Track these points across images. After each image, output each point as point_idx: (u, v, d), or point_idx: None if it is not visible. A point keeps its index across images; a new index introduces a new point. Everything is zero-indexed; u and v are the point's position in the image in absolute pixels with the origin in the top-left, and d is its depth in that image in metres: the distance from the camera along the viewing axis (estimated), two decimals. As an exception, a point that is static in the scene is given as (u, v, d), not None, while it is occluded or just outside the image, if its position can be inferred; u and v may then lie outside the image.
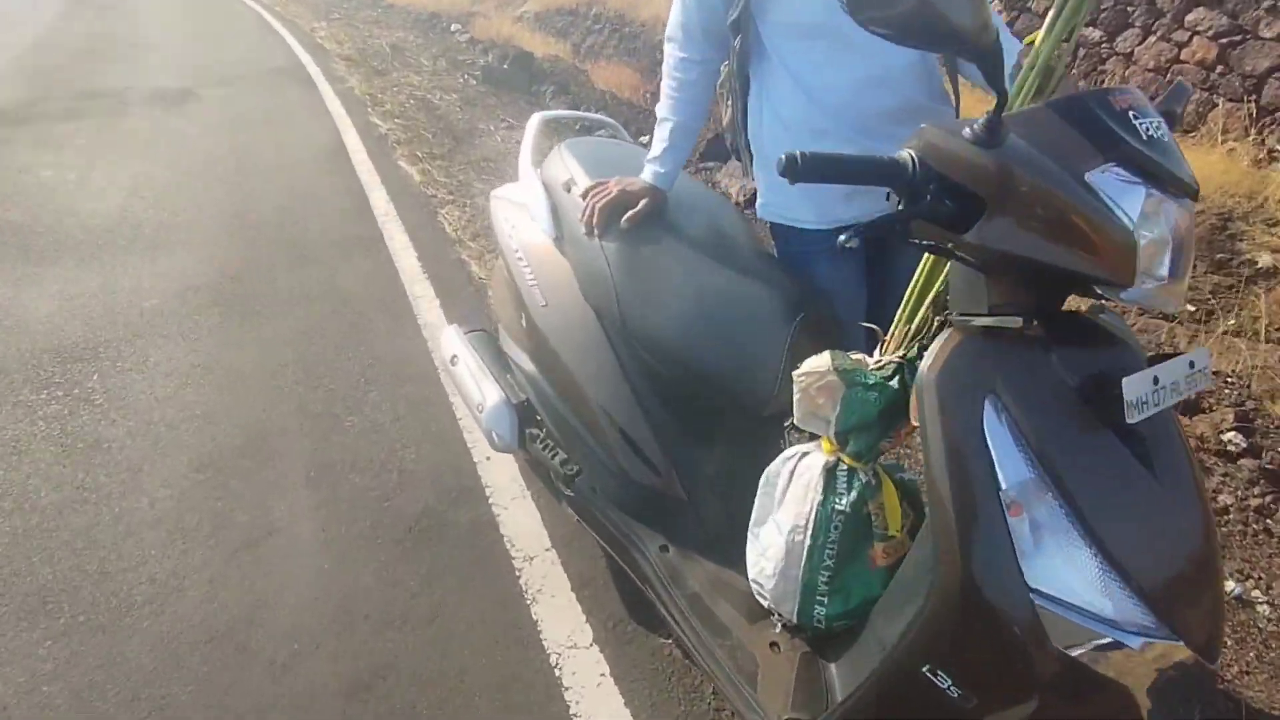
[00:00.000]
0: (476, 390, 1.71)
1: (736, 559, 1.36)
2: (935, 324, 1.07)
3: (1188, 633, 0.79)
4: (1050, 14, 1.01)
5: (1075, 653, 0.79)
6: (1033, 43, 1.05)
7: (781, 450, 1.28)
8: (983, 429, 0.81)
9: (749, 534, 1.32)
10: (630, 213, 1.45)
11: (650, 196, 1.47)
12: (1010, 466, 0.81)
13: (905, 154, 0.83)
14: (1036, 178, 0.77)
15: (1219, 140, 3.77)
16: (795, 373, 1.20)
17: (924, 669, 0.86)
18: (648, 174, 1.50)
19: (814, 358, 1.18)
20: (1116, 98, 0.81)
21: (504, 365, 1.74)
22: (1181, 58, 4.05)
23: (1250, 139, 3.73)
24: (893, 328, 1.13)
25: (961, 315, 0.95)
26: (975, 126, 0.80)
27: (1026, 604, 0.79)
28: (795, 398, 1.21)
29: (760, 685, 1.19)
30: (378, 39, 9.16)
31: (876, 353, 1.15)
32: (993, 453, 0.81)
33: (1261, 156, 3.64)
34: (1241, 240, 3.05)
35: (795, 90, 1.38)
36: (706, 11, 1.42)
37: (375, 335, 2.86)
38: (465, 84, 7.00)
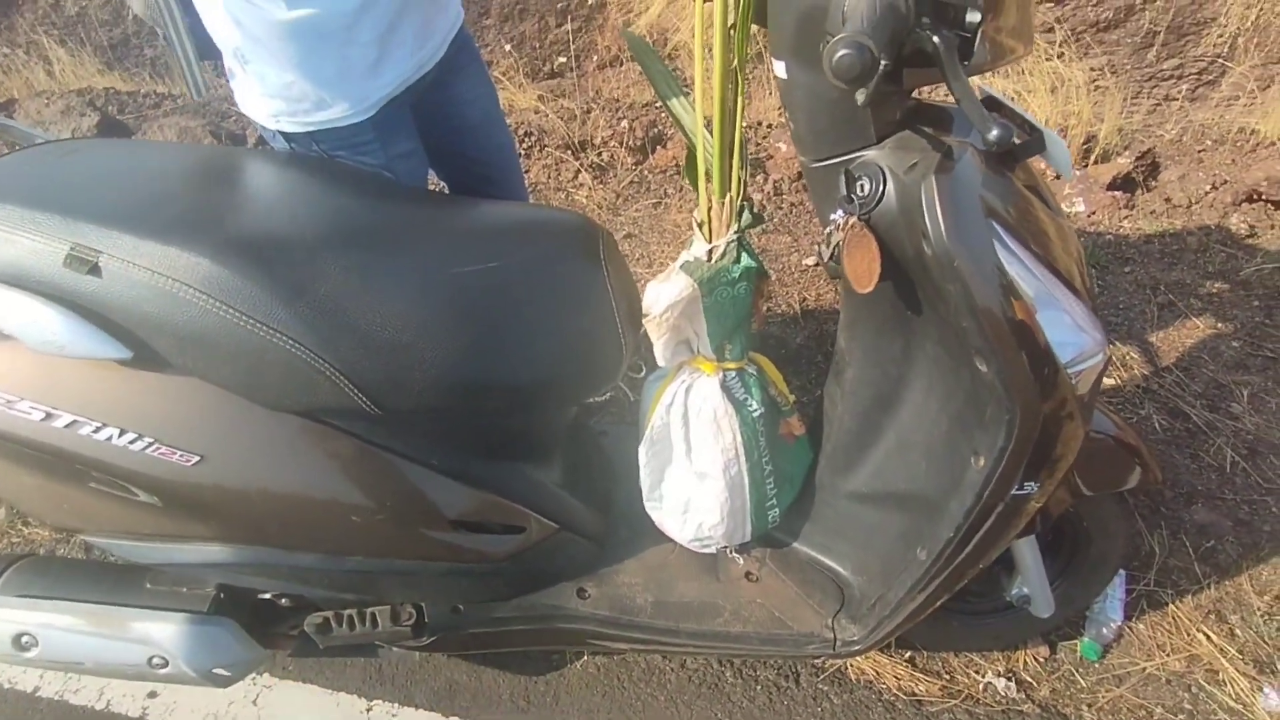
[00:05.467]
0: (118, 642, 1.01)
1: (653, 539, 1.16)
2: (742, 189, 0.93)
3: None
4: None
5: (1083, 391, 0.87)
6: None
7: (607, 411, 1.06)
8: (992, 244, 0.76)
9: (653, 505, 1.12)
10: None
11: None
12: (1022, 274, 0.78)
13: None
14: None
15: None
16: (647, 317, 0.96)
17: (1015, 491, 0.86)
18: None
19: (658, 285, 0.95)
20: None
21: (131, 583, 1.05)
22: None
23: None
24: (703, 207, 0.96)
25: (829, 159, 0.85)
26: None
27: (1068, 381, 0.82)
28: (657, 340, 0.99)
29: (779, 619, 1.09)
30: None
31: (699, 243, 0.97)
32: (1006, 266, 0.77)
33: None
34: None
35: None
36: None
37: None
38: None
